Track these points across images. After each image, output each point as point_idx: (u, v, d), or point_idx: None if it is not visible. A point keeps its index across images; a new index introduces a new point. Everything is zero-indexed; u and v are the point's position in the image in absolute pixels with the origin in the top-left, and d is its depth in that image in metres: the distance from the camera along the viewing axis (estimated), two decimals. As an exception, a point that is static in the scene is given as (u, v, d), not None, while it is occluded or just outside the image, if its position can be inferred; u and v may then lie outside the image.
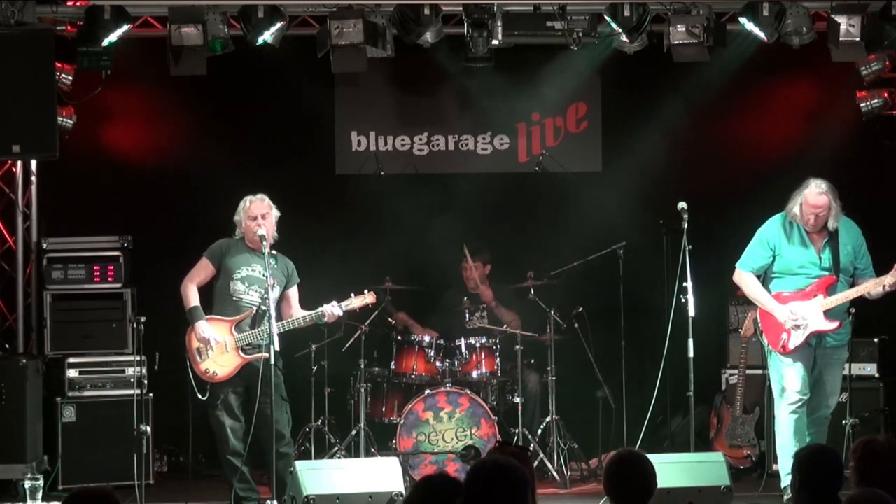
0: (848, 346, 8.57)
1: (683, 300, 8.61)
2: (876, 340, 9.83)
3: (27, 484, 8.66)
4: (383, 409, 9.80)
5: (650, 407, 8.97)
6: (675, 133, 10.60)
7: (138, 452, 8.65)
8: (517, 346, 9.72)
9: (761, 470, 9.38)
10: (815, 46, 9.12)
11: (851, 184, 9.20)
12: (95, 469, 9.32)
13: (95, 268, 9.79)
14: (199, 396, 8.58)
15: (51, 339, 9.78)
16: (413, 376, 9.79)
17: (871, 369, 9.81)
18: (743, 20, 8.94)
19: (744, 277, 8.61)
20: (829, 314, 8.39)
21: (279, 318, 8.57)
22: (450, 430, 9.47)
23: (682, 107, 10.51)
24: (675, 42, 8.93)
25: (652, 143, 10.51)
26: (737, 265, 8.64)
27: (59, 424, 9.52)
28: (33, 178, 10.08)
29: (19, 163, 9.94)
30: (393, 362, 9.85)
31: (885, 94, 10.06)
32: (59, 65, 9.12)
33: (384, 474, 8.20)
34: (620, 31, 8.87)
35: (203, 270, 8.74)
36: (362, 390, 9.59)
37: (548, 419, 9.68)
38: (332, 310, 8.69)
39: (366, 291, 8.87)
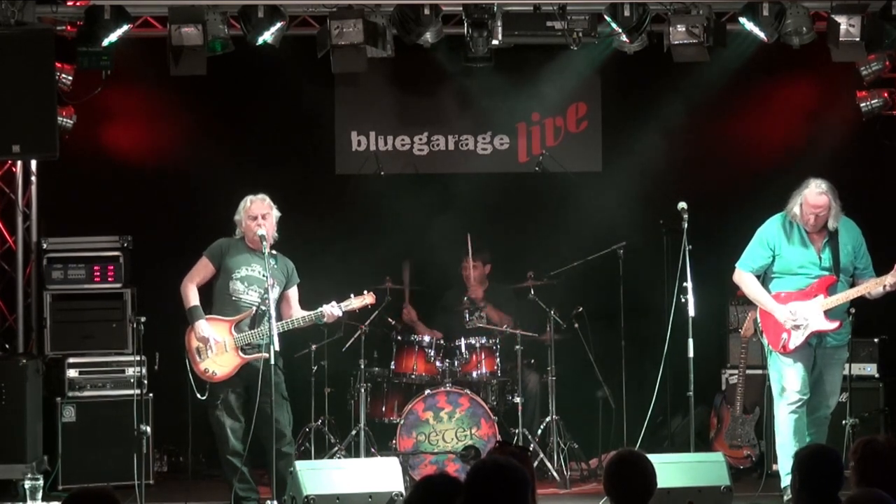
0: (848, 346, 8.57)
1: (683, 300, 8.61)
2: (876, 340, 9.83)
3: (27, 484, 8.65)
4: (383, 409, 9.80)
5: (650, 407, 8.96)
6: (674, 133, 10.60)
7: (138, 452, 8.65)
8: (517, 346, 9.72)
9: (761, 470, 9.37)
10: (815, 46, 9.12)
11: (851, 184, 9.20)
12: (95, 469, 9.32)
13: (95, 268, 9.79)
14: (199, 396, 8.58)
15: (51, 339, 9.78)
16: (413, 376, 9.79)
17: (871, 369, 9.81)
18: (743, 20, 8.94)
19: (743, 277, 8.61)
20: (829, 314, 8.39)
21: (279, 318, 8.57)
22: (450, 430, 9.47)
23: (681, 107, 10.50)
24: (675, 42, 8.93)
25: (652, 143, 10.51)
26: (736, 265, 8.64)
27: (59, 424, 9.52)
28: (33, 178, 10.08)
29: (19, 163, 9.94)
30: (393, 362, 9.85)
31: (885, 94, 10.06)
32: (59, 65, 9.11)
33: (384, 474, 8.20)
34: (620, 31, 8.87)
35: (203, 270, 8.74)
36: (362, 390, 9.59)
37: (548, 419, 9.68)
38: (332, 310, 8.69)
39: (365, 292, 8.87)
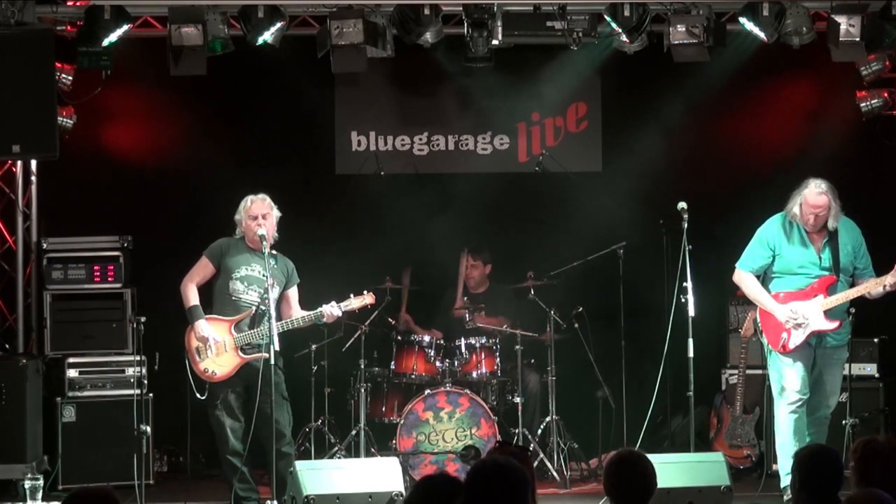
0: (848, 345, 8.57)
1: (683, 300, 8.61)
2: (876, 340, 9.83)
3: (27, 484, 8.65)
4: (383, 409, 9.80)
5: (650, 407, 8.96)
6: (674, 133, 10.60)
7: (138, 452, 8.65)
8: (517, 346, 9.72)
9: (761, 470, 9.37)
10: (815, 46, 9.12)
11: (851, 184, 9.20)
12: (95, 469, 9.32)
13: (95, 268, 9.79)
14: (198, 396, 8.58)
15: (51, 339, 9.78)
16: (413, 376, 9.79)
17: (871, 369, 9.81)
18: (743, 20, 8.94)
19: (743, 277, 8.61)
20: (829, 314, 8.39)
21: (279, 318, 8.57)
22: (450, 430, 9.47)
23: (681, 107, 10.50)
24: (675, 42, 8.93)
25: (652, 143, 10.51)
26: (736, 265, 8.64)
27: (59, 424, 9.52)
28: (33, 178, 10.08)
29: (19, 163, 9.94)
30: (393, 362, 9.85)
31: (885, 94, 10.06)
32: (59, 65, 9.11)
33: (384, 474, 8.20)
34: (620, 31, 8.87)
35: (203, 270, 8.74)
36: (362, 390, 9.59)
37: (548, 419, 9.68)
38: (331, 310, 8.69)
39: (365, 292, 8.87)
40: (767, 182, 9.78)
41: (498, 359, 9.80)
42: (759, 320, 8.59)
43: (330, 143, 10.87)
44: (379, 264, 10.03)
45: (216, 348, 8.57)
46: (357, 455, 9.38)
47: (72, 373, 9.64)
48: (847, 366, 8.70)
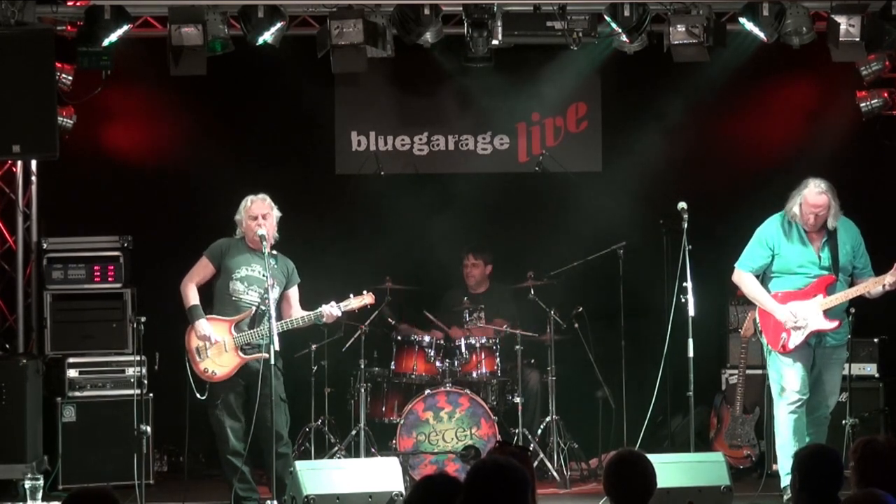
0: (847, 345, 8.57)
1: (683, 300, 8.61)
2: (876, 340, 9.83)
3: (27, 484, 8.65)
4: (383, 409, 9.80)
5: (650, 407, 8.96)
6: (674, 133, 10.60)
7: (138, 452, 8.65)
8: (517, 346, 9.72)
9: (761, 470, 9.37)
10: (815, 46, 9.12)
11: (851, 184, 9.21)
12: (95, 469, 9.32)
13: (95, 268, 9.79)
14: (198, 396, 8.58)
15: (51, 339, 9.78)
16: (413, 376, 9.79)
17: (871, 369, 9.82)
18: (743, 20, 8.94)
19: (743, 277, 8.61)
20: (828, 313, 8.40)
21: (279, 317, 8.57)
22: (450, 430, 9.47)
23: (681, 107, 10.50)
24: (675, 42, 8.93)
25: (652, 143, 10.51)
26: (736, 265, 8.64)
27: (59, 424, 9.52)
28: (33, 178, 10.08)
29: (19, 163, 9.94)
30: (393, 362, 9.85)
31: (885, 94, 10.07)
32: (59, 65, 9.11)
33: (384, 474, 8.20)
34: (620, 31, 8.87)
35: (203, 270, 8.74)
36: (362, 390, 9.59)
37: (548, 419, 9.68)
38: (331, 310, 8.69)
39: (364, 292, 8.87)
40: (767, 182, 9.78)
41: (498, 359, 9.80)
42: (758, 320, 8.59)
43: (330, 143, 10.87)
44: (379, 264, 10.03)
45: (216, 348, 8.57)
46: (357, 455, 9.38)
47: (72, 373, 9.64)
48: (847, 366, 8.70)
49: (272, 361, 8.31)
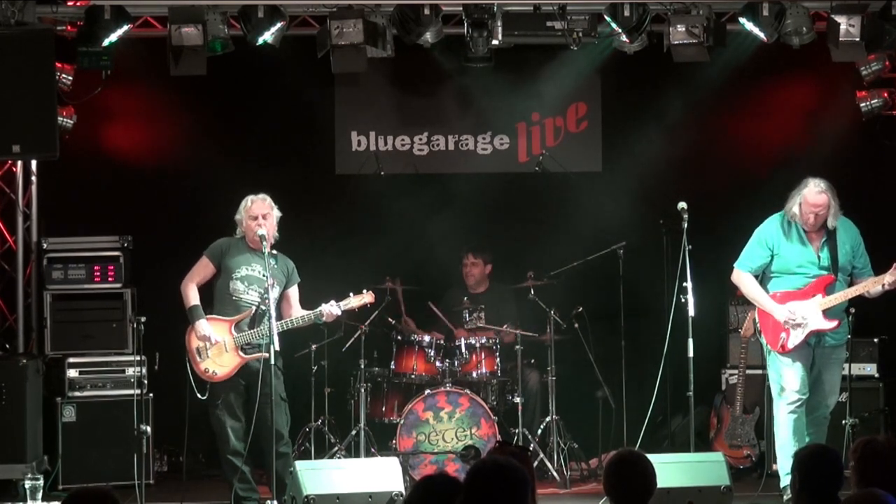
0: (847, 345, 8.57)
1: (683, 300, 8.61)
2: (876, 340, 9.83)
3: (27, 484, 8.65)
4: (383, 409, 9.80)
5: (650, 407, 8.96)
6: (674, 133, 10.60)
7: (138, 452, 8.64)
8: (517, 346, 9.72)
9: (761, 470, 9.37)
10: (815, 46, 9.12)
11: (851, 184, 9.21)
12: (95, 469, 9.32)
13: (95, 268, 9.80)
14: (199, 396, 8.58)
15: (51, 339, 9.78)
16: (413, 376, 9.78)
17: (871, 369, 9.81)
18: (743, 20, 8.94)
19: (742, 278, 8.61)
20: (827, 313, 8.40)
21: (279, 317, 8.57)
22: (450, 430, 9.47)
23: (681, 107, 10.50)
24: (675, 42, 8.93)
25: (652, 142, 10.51)
26: (735, 265, 8.64)
27: (59, 424, 9.53)
28: (33, 178, 10.08)
29: (19, 163, 9.94)
30: (393, 362, 9.85)
31: (885, 94, 10.07)
32: (59, 65, 9.12)
33: (384, 474, 8.20)
34: (620, 31, 8.87)
35: (203, 269, 8.74)
36: (362, 390, 9.59)
37: (548, 419, 9.68)
38: (331, 309, 8.69)
39: (364, 291, 8.87)
40: (767, 182, 9.78)
41: (498, 359, 9.80)
42: (757, 320, 8.59)
43: (330, 143, 10.86)
44: (379, 264, 10.03)
45: (216, 348, 8.57)
46: (357, 455, 9.38)
47: (72, 373, 9.64)
48: (847, 366, 8.70)
49: (272, 361, 8.31)
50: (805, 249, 8.46)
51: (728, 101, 10.59)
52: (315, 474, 8.12)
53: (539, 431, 9.72)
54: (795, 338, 8.38)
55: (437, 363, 9.73)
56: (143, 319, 8.65)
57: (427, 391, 9.53)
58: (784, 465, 8.36)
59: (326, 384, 9.67)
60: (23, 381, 9.28)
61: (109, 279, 9.81)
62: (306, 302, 8.83)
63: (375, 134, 10.88)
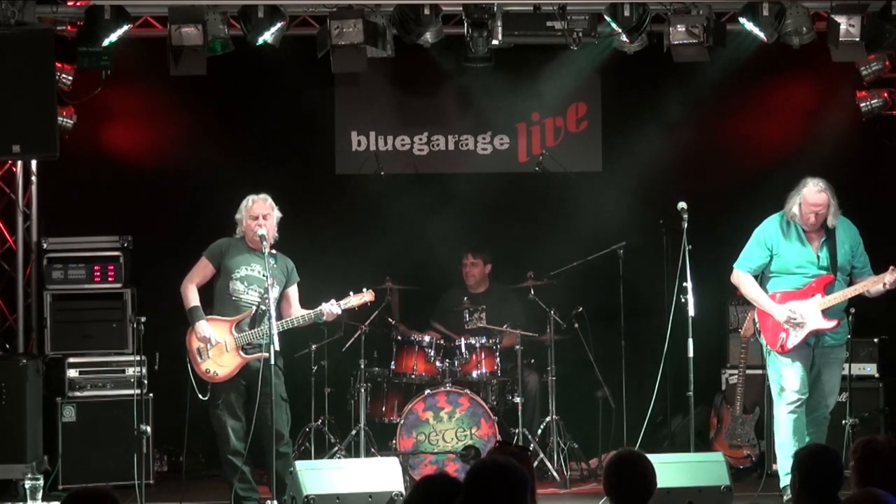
0: (846, 345, 8.57)
1: (683, 300, 8.61)
2: (876, 340, 9.83)
3: (27, 484, 8.65)
4: (383, 409, 9.80)
5: (650, 407, 8.96)
6: (674, 133, 10.60)
7: (138, 452, 8.64)
8: (517, 346, 9.72)
9: (761, 470, 9.37)
10: (815, 46, 9.12)
11: (851, 184, 9.21)
12: (95, 469, 9.32)
13: (95, 268, 9.80)
14: (200, 396, 8.58)
15: (51, 339, 9.78)
16: (413, 376, 9.78)
17: (870, 369, 9.82)
18: (743, 20, 8.94)
19: (741, 278, 8.61)
20: (827, 313, 8.40)
21: (279, 317, 8.57)
22: (450, 430, 9.47)
23: (681, 107, 10.50)
24: (675, 42, 8.93)
25: (652, 142, 10.51)
26: (734, 266, 8.64)
27: (59, 424, 9.53)
28: (33, 178, 10.08)
29: (19, 163, 9.94)
30: (393, 362, 9.85)
31: (885, 94, 10.07)
32: (59, 65, 9.12)
33: (384, 474, 8.20)
34: (620, 31, 8.87)
35: (203, 270, 8.74)
36: (362, 390, 9.59)
37: (548, 419, 9.68)
38: (331, 308, 8.69)
39: (364, 290, 8.87)
40: (767, 182, 9.77)
41: (498, 359, 9.80)
42: (757, 320, 8.59)
43: (330, 143, 10.87)
44: (379, 264, 10.03)
45: (217, 349, 8.56)
46: (357, 455, 9.38)
47: (72, 373, 9.64)
48: (847, 366, 8.70)
49: (272, 361, 8.31)
50: (804, 249, 8.46)
51: (728, 100, 10.59)
52: (315, 474, 8.12)
53: (539, 431, 9.72)
54: (795, 338, 8.38)
55: (437, 363, 9.73)
56: (143, 319, 8.65)
57: (427, 391, 9.53)
58: (784, 465, 8.36)
59: (326, 384, 9.67)
60: (23, 381, 9.28)
61: (109, 279, 9.81)
62: (306, 302, 8.83)
63: (375, 134, 10.88)
